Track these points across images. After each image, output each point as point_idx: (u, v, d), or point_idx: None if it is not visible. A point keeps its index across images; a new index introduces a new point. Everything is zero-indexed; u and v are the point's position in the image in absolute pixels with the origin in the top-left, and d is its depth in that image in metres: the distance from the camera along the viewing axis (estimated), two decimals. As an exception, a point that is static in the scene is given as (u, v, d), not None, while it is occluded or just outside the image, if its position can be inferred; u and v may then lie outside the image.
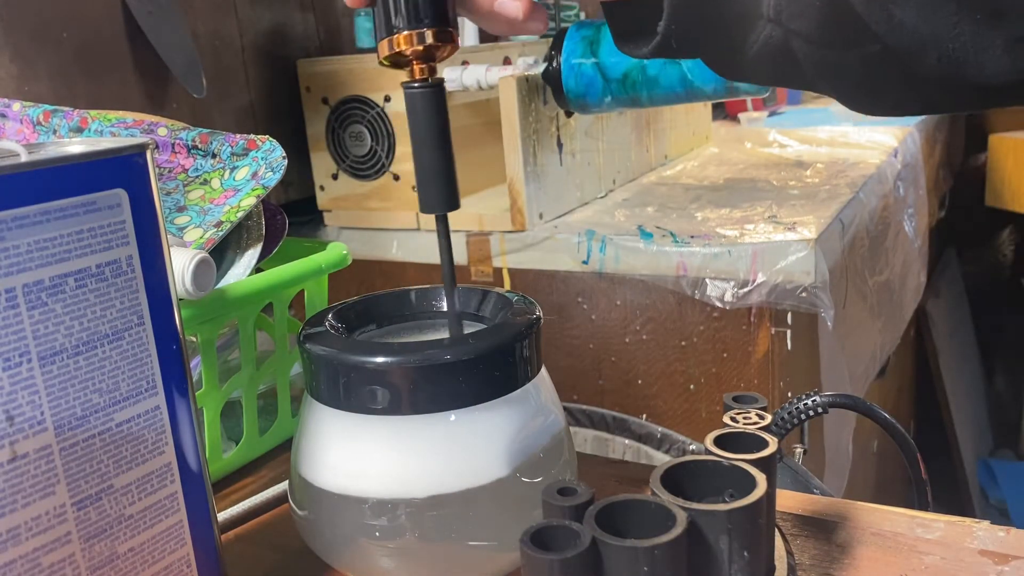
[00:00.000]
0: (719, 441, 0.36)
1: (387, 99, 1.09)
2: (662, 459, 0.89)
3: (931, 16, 0.33)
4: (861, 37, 0.35)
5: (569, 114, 1.06)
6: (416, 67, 0.42)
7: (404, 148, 1.11)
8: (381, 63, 0.43)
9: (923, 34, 0.33)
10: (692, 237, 0.95)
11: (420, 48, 0.41)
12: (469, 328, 0.45)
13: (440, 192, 0.43)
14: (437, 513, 0.39)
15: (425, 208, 0.44)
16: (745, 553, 0.31)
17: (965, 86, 0.34)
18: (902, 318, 1.46)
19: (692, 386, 0.98)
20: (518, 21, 0.41)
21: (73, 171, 0.32)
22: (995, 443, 2.38)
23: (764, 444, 0.36)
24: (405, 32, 0.41)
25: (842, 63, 0.37)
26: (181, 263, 0.49)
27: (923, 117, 1.69)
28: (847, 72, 0.37)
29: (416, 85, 0.42)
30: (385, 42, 0.42)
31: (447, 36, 0.41)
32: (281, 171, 0.60)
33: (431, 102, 0.42)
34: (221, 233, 0.57)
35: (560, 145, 1.09)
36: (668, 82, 0.96)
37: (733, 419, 0.38)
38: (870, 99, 0.39)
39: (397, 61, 0.42)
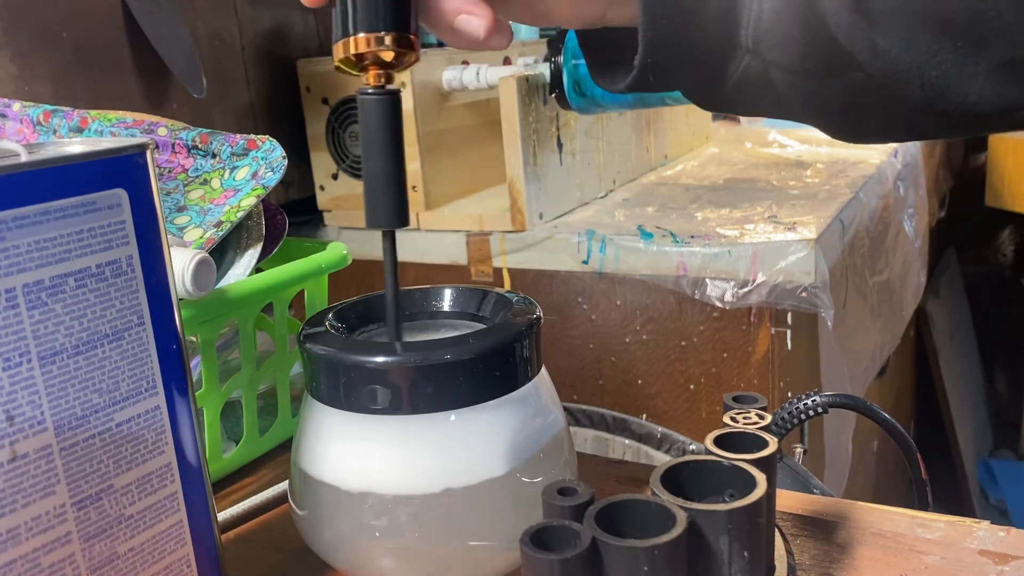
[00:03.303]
0: (719, 441, 0.36)
1: (387, 99, 1.09)
2: (662, 459, 0.89)
3: (913, 44, 0.33)
4: (844, 66, 0.35)
5: (551, 90, 1.03)
6: (372, 73, 0.40)
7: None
8: (336, 67, 0.40)
9: (905, 62, 0.34)
10: (692, 237, 0.95)
11: (378, 52, 0.39)
12: (469, 328, 0.45)
13: (388, 207, 0.41)
14: (437, 513, 0.39)
15: (371, 223, 0.41)
16: (745, 553, 0.31)
17: (949, 112, 0.34)
18: (902, 318, 1.46)
19: (692, 386, 0.98)
20: (479, 40, 0.40)
21: (73, 171, 0.32)
22: (995, 443, 2.38)
23: (764, 444, 0.36)
24: (363, 35, 0.39)
25: (824, 92, 0.37)
26: (181, 263, 0.49)
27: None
28: (829, 101, 0.37)
29: (371, 92, 0.40)
30: (340, 44, 0.39)
31: (407, 43, 0.39)
32: (281, 171, 0.60)
33: (386, 111, 0.40)
34: (221, 233, 0.57)
35: (560, 145, 1.09)
36: (670, 103, 0.96)
37: (733, 419, 0.38)
38: (853, 127, 0.39)
39: (353, 65, 0.40)
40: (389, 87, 0.40)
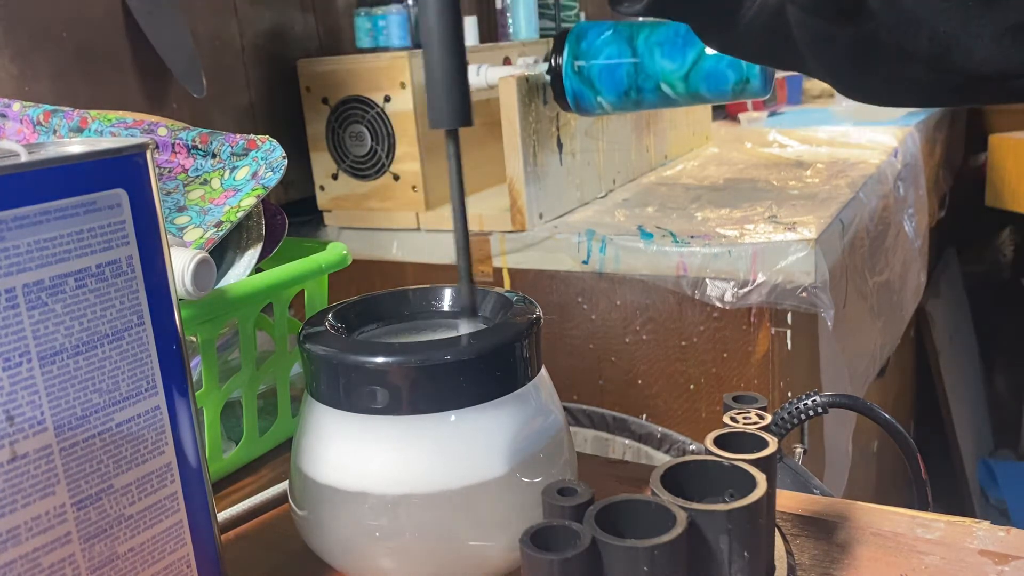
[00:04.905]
0: (719, 441, 0.36)
1: (387, 99, 1.09)
2: (662, 459, 0.89)
3: None
4: (857, 10, 0.35)
5: (549, 66, 1.03)
6: None
7: (404, 148, 1.11)
8: None
9: (916, 13, 0.34)
10: (692, 237, 0.95)
11: None
12: (469, 328, 0.45)
13: (452, 104, 0.40)
14: (437, 513, 0.39)
15: (434, 122, 0.40)
16: (745, 553, 0.31)
17: (954, 70, 0.35)
18: (902, 318, 1.46)
19: (692, 386, 0.98)
20: None
21: (73, 171, 0.32)
22: (995, 443, 2.38)
23: (764, 444, 0.36)
24: None
25: (835, 37, 0.37)
26: (181, 263, 0.49)
27: (923, 116, 1.69)
28: (839, 46, 0.37)
29: None
30: None
31: None
32: (281, 171, 0.60)
33: (445, 4, 0.39)
34: (221, 233, 0.57)
35: (560, 145, 1.09)
36: (667, 93, 0.96)
37: (733, 419, 0.38)
38: (859, 77, 0.39)
39: None
40: None
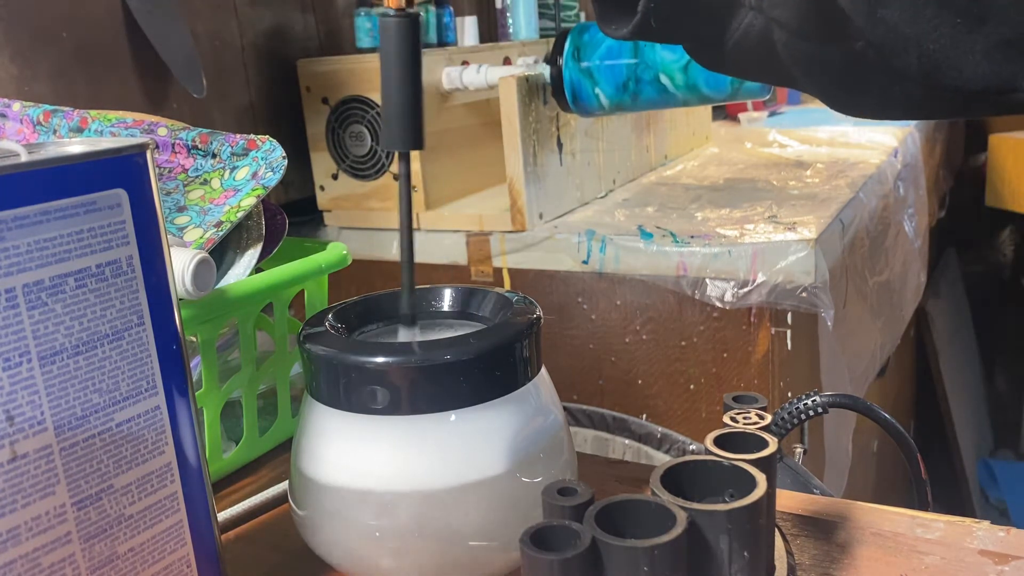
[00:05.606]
0: (719, 441, 0.36)
1: (387, 99, 1.09)
2: (662, 459, 0.89)
3: (913, 15, 0.33)
4: (843, 31, 0.35)
5: (550, 62, 1.04)
6: None
7: (404, 148, 1.11)
8: None
9: (904, 32, 0.34)
10: (692, 237, 0.95)
11: None
12: (469, 328, 0.45)
13: (405, 129, 0.42)
14: (437, 513, 0.39)
15: (386, 144, 0.43)
16: (745, 553, 0.31)
17: (944, 88, 0.35)
18: (902, 318, 1.46)
19: (692, 386, 0.98)
20: None
21: (73, 171, 0.32)
22: (995, 443, 2.38)
23: (764, 444, 0.36)
24: None
25: (822, 57, 0.37)
26: (181, 263, 0.49)
27: (923, 117, 1.69)
28: (827, 67, 0.37)
29: (392, 14, 0.41)
30: None
31: None
32: (281, 171, 0.60)
33: (406, 32, 0.41)
34: (221, 233, 0.57)
35: (560, 145, 1.09)
36: (665, 85, 0.96)
37: (733, 419, 0.38)
38: (850, 96, 0.39)
39: None
40: (409, 10, 0.42)
